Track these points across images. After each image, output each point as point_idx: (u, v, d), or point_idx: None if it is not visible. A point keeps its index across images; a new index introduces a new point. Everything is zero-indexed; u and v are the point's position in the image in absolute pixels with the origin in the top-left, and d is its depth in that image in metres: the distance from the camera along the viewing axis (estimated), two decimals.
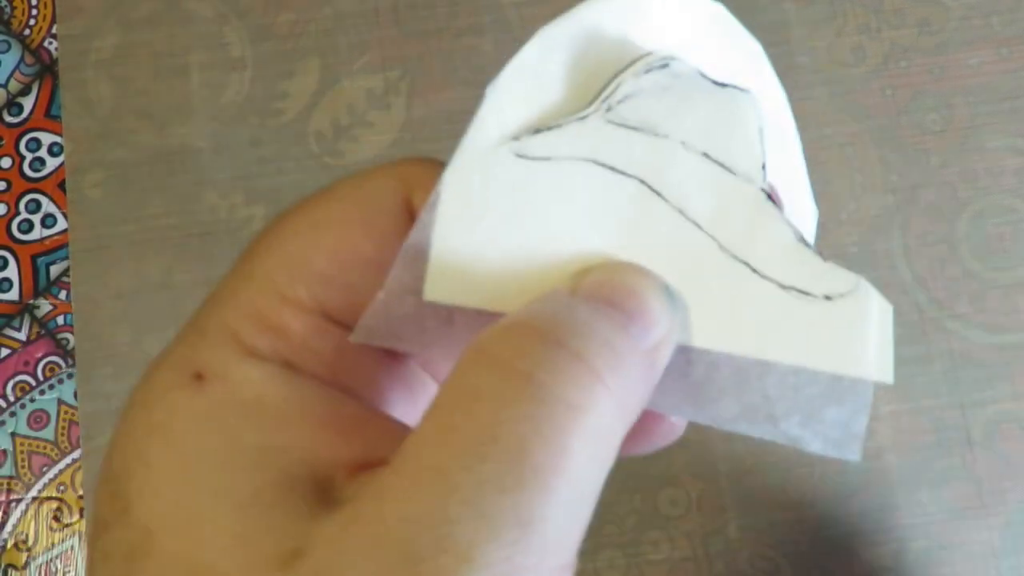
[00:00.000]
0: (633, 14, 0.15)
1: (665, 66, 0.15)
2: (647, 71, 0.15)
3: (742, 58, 0.16)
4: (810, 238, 0.17)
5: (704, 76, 0.15)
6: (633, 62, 0.15)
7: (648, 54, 0.15)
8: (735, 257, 0.15)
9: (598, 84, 0.15)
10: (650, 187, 0.15)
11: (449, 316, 0.16)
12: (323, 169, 0.48)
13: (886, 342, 0.16)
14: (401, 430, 0.16)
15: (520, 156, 0.15)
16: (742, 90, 0.15)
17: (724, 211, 0.15)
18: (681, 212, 0.15)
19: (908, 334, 0.45)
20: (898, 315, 0.45)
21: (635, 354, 0.14)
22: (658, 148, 0.15)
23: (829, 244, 0.46)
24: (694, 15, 0.16)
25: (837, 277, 0.16)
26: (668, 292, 0.15)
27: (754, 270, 0.15)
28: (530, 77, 0.16)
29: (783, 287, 0.15)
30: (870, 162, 0.47)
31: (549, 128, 0.15)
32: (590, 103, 0.15)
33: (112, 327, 0.47)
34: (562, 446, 0.13)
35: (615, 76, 0.15)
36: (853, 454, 0.15)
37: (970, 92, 0.47)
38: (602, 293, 0.14)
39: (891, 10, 0.48)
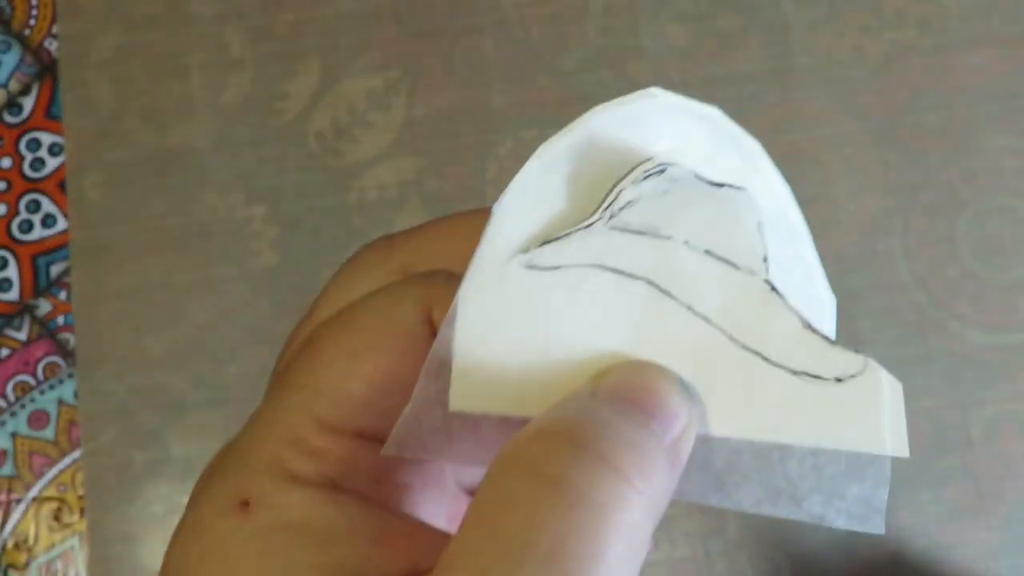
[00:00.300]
0: (631, 123, 0.16)
1: (663, 171, 0.16)
2: (646, 177, 0.16)
3: (740, 157, 0.17)
4: (830, 325, 0.18)
5: (700, 178, 0.16)
6: (632, 169, 0.16)
7: (647, 160, 0.16)
8: (746, 347, 0.16)
9: (600, 193, 0.16)
10: (658, 287, 0.16)
11: (476, 424, 0.16)
12: (323, 169, 0.48)
13: (899, 417, 0.16)
14: (442, 538, 0.17)
15: (531, 267, 0.16)
16: (738, 188, 0.16)
17: (731, 304, 0.16)
18: (690, 308, 0.16)
19: (908, 334, 0.45)
20: (898, 315, 0.45)
21: (658, 450, 0.15)
22: (663, 249, 0.16)
23: (829, 244, 0.46)
24: (691, 120, 0.16)
25: (846, 360, 0.16)
26: (684, 386, 0.16)
27: (765, 358, 0.16)
28: (534, 192, 0.16)
29: (795, 373, 0.16)
30: (870, 162, 0.47)
31: (556, 239, 0.16)
32: (594, 212, 0.16)
33: (112, 327, 0.47)
34: (595, 546, 0.13)
35: (616, 184, 0.16)
36: (877, 528, 0.16)
37: (970, 92, 0.47)
38: (621, 393, 0.15)
39: (891, 10, 0.48)
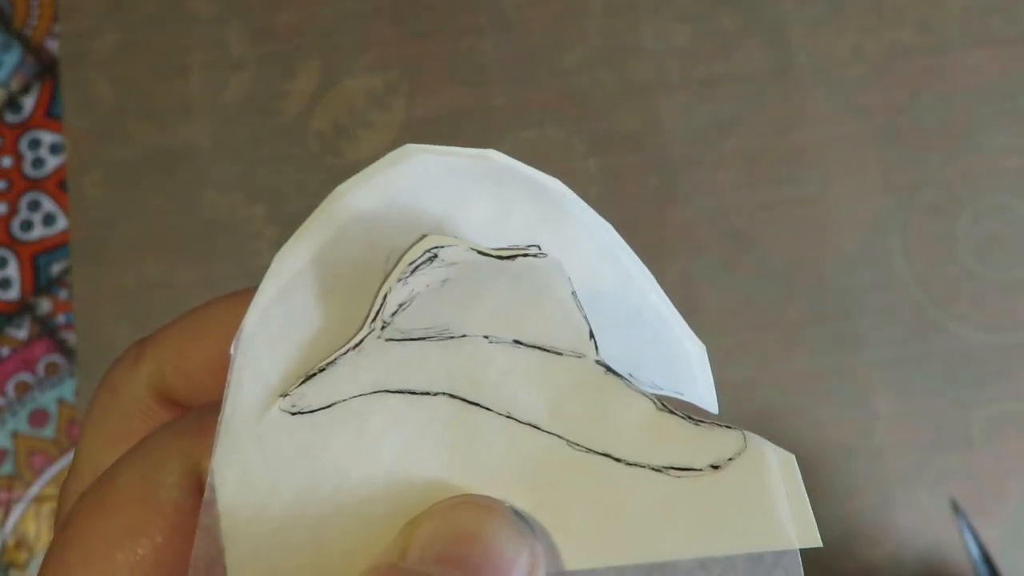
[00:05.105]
0: (387, 200, 0.12)
1: (433, 257, 0.12)
2: (413, 270, 0.12)
3: (537, 204, 0.13)
4: (704, 378, 0.15)
5: (485, 252, 0.12)
6: (396, 263, 0.12)
7: (411, 247, 0.12)
8: (591, 451, 0.13)
9: (366, 297, 0.13)
10: (463, 399, 0.13)
11: None
12: (323, 169, 0.48)
13: (799, 498, 0.13)
14: None
15: (296, 413, 0.13)
16: (536, 255, 0.12)
17: (561, 401, 0.13)
18: (510, 416, 0.13)
19: (908, 334, 0.45)
20: (898, 315, 0.45)
21: None
22: (458, 352, 0.13)
23: (829, 244, 0.46)
24: (464, 175, 0.13)
25: (719, 440, 0.13)
26: (518, 520, 0.13)
27: (617, 459, 0.13)
28: (279, 318, 0.13)
29: (657, 469, 0.13)
30: (870, 162, 0.47)
31: (321, 370, 0.13)
32: (361, 326, 0.13)
33: (112, 326, 0.47)
34: None
35: (380, 287, 0.13)
36: None
37: (970, 92, 0.47)
38: (436, 549, 0.12)
39: (891, 10, 0.48)
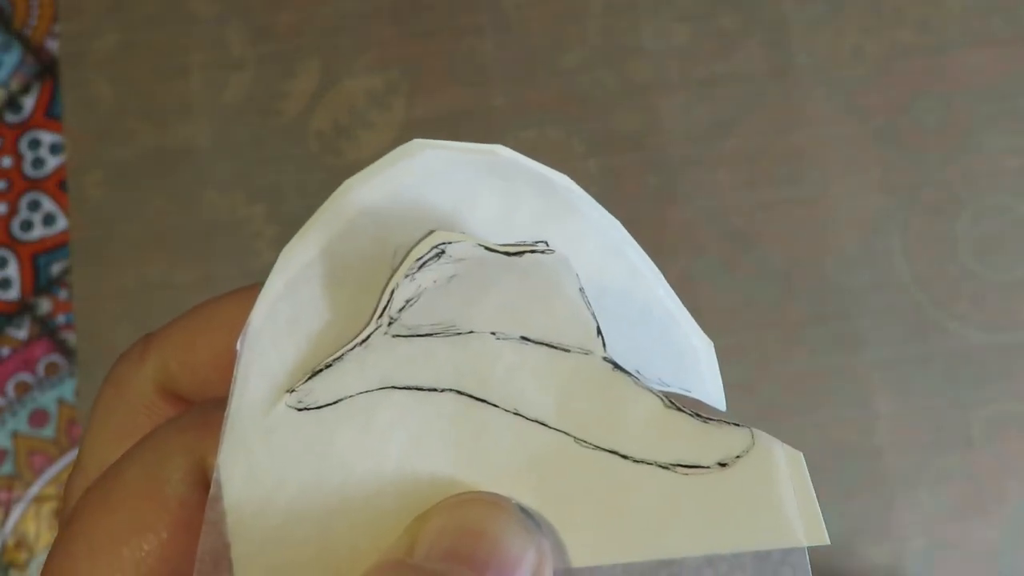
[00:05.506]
0: (395, 194, 0.12)
1: (440, 253, 0.12)
2: (420, 266, 0.12)
3: (544, 200, 0.13)
4: (712, 375, 0.15)
5: (492, 249, 0.12)
6: (403, 259, 0.12)
7: (419, 243, 0.12)
8: (598, 448, 0.13)
9: (373, 292, 0.13)
10: (470, 396, 0.13)
11: None
12: (323, 169, 0.48)
13: (807, 495, 0.13)
14: None
15: (303, 409, 0.13)
16: (544, 251, 0.12)
17: (569, 398, 0.13)
18: (517, 413, 0.13)
19: (908, 334, 0.45)
20: (898, 315, 0.45)
21: None
22: (465, 348, 0.13)
23: (829, 244, 0.46)
24: (471, 170, 0.13)
25: (727, 437, 0.13)
26: (525, 516, 0.13)
27: (625, 456, 0.13)
28: (285, 311, 0.12)
29: (664, 466, 0.13)
30: (870, 162, 0.47)
31: (328, 366, 0.13)
32: (368, 321, 0.13)
33: (113, 326, 0.47)
34: None
35: (388, 282, 0.12)
36: None
37: (970, 92, 0.47)
38: (443, 545, 0.12)
39: (891, 10, 0.48)
